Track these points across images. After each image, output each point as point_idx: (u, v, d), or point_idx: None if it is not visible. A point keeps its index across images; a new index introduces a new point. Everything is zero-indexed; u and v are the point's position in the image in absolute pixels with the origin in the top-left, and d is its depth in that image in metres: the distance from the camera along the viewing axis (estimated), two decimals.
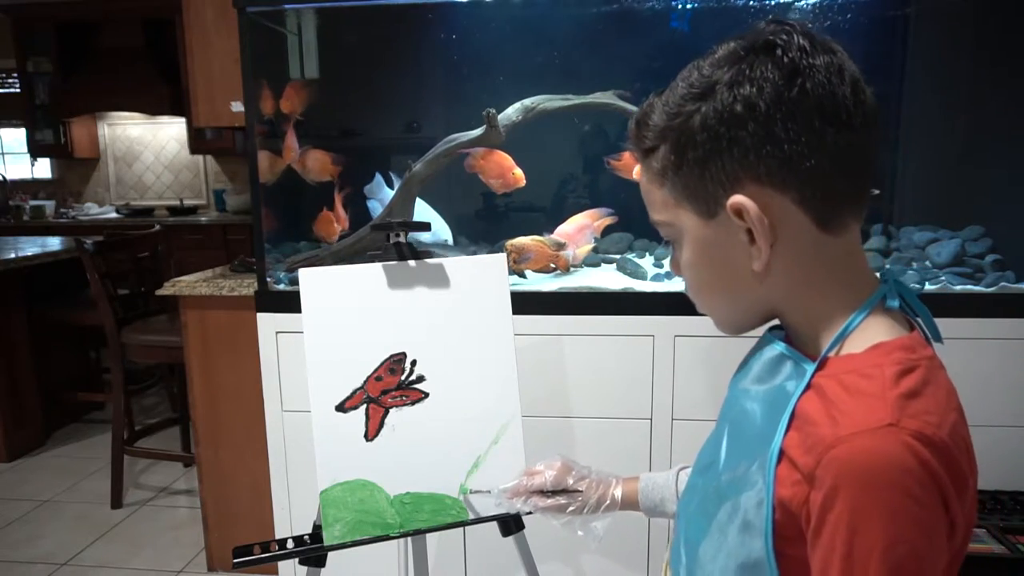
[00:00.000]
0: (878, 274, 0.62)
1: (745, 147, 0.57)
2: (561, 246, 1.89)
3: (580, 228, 1.91)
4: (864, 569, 0.50)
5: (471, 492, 1.18)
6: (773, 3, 1.93)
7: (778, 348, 0.63)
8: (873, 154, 0.58)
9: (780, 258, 0.59)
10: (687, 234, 0.64)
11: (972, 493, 0.55)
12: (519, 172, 1.84)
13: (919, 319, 0.63)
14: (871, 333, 0.58)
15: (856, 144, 0.56)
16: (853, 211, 0.59)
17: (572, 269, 1.98)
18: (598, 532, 0.96)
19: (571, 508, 0.95)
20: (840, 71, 0.56)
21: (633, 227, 2.16)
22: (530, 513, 1.02)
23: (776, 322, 0.67)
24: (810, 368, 0.58)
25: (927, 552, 0.50)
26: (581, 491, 0.95)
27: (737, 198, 0.58)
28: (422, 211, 2.01)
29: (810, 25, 0.59)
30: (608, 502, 0.94)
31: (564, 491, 0.96)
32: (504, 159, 1.84)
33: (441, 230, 2.02)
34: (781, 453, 0.56)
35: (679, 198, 0.62)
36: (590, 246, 1.96)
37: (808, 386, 0.57)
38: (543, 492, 0.97)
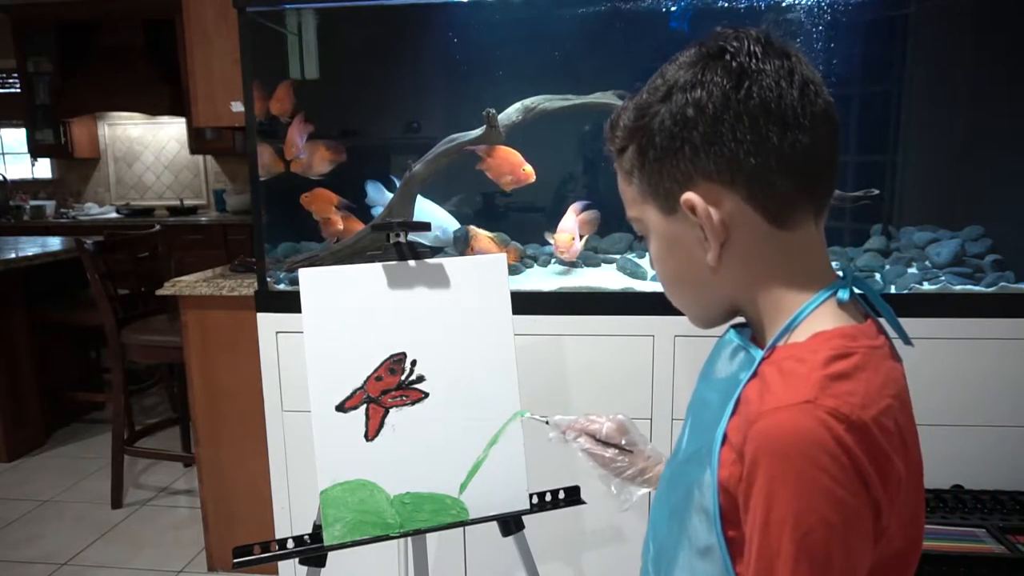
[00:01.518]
0: (840, 272, 0.64)
1: (695, 146, 0.60)
2: (507, 243, 1.93)
3: (574, 223, 1.91)
4: (778, 537, 0.52)
5: (527, 416, 1.18)
6: (773, 3, 1.93)
7: (735, 340, 0.66)
8: (825, 154, 0.61)
9: (733, 253, 0.62)
10: (653, 230, 0.68)
11: (904, 482, 0.56)
12: (529, 168, 1.82)
13: (882, 318, 0.65)
14: (817, 323, 0.60)
15: (803, 144, 0.59)
16: (807, 208, 0.61)
17: (567, 266, 1.98)
18: (631, 497, 0.96)
19: (615, 464, 0.95)
20: (790, 74, 0.59)
21: (632, 227, 2.16)
22: (580, 461, 0.99)
23: (742, 319, 0.69)
24: (758, 356, 0.61)
25: (839, 525, 0.51)
26: (631, 452, 0.96)
27: (688, 195, 0.61)
28: (433, 211, 1.99)
29: (775, 26, 0.61)
30: (650, 475, 0.95)
31: (614, 446, 0.97)
32: (512, 155, 1.82)
33: (452, 228, 2.00)
34: (724, 437, 0.59)
35: (644, 195, 0.66)
36: (584, 240, 1.95)
37: (754, 374, 0.60)
38: (595, 439, 0.98)
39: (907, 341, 0.66)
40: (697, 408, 0.69)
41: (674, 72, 0.62)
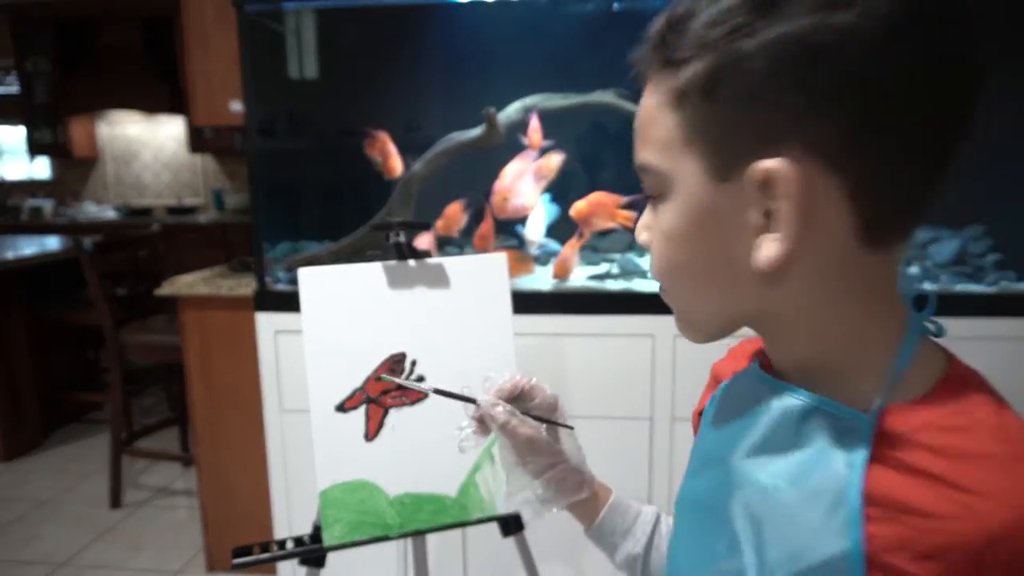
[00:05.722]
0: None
1: (814, 96, 0.40)
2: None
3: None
4: None
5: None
6: None
7: (801, 399, 0.47)
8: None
9: (800, 260, 0.43)
10: (681, 192, 0.46)
11: None
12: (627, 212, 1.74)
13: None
14: (921, 369, 0.46)
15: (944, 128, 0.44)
16: (911, 221, 0.46)
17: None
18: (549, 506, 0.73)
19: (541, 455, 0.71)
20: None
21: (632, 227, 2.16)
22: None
23: (746, 343, 0.53)
24: (864, 427, 0.43)
25: None
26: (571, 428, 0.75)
27: (776, 163, 0.41)
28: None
29: None
30: (583, 480, 0.73)
31: (545, 421, 0.74)
32: (606, 197, 1.73)
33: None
34: (868, 560, 0.41)
35: (691, 138, 0.45)
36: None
37: (873, 457, 0.43)
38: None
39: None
40: (755, 501, 0.48)
41: None
